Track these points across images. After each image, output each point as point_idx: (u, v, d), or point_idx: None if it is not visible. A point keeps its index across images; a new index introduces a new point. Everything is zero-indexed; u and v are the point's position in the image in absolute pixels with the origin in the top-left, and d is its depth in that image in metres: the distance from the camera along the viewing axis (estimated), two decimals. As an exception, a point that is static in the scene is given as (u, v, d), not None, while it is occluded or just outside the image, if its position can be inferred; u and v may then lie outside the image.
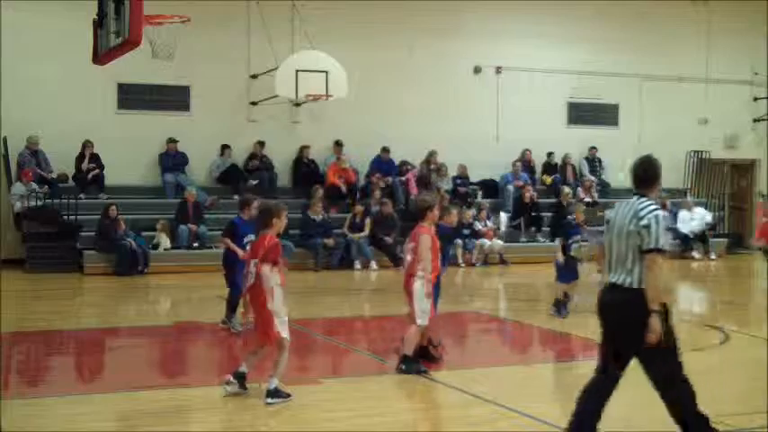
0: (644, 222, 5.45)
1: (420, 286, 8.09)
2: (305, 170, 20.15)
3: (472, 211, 19.74)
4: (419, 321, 8.09)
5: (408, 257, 8.22)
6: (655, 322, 5.39)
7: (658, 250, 5.42)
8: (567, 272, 11.48)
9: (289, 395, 7.08)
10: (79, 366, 9.37)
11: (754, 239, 12.81)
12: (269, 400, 6.98)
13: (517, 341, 11.12)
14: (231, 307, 10.21)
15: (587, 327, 10.76)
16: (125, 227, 17.09)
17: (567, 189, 21.20)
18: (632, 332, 5.48)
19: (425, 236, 8.10)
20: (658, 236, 5.42)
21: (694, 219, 21.42)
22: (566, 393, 8.11)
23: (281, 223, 7.25)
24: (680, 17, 23.26)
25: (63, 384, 8.16)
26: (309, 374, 8.48)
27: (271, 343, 7.14)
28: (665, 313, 5.50)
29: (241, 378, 7.26)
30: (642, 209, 5.51)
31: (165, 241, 17.50)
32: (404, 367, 8.07)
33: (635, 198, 5.62)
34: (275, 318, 7.07)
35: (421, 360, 8.26)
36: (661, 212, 5.52)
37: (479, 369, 8.82)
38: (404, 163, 20.71)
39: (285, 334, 7.10)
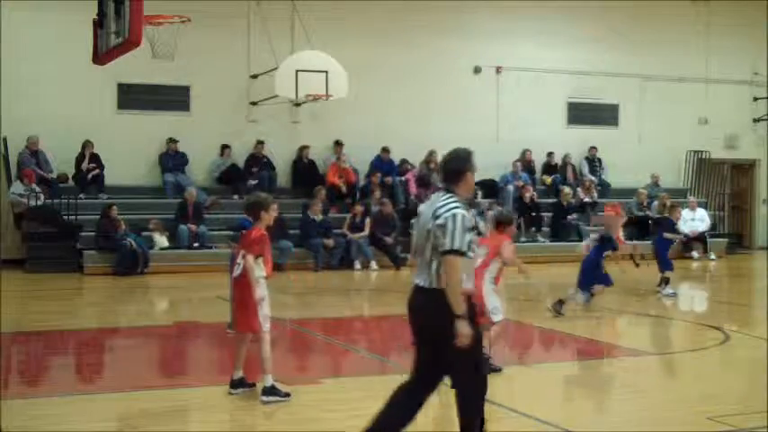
0: (440, 222, 5.10)
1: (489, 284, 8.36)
2: (305, 170, 20.16)
3: (472, 212, 19.71)
4: (495, 319, 8.23)
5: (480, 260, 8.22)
6: (461, 326, 5.00)
7: (456, 251, 5.04)
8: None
9: (287, 395, 7.09)
10: (79, 366, 9.37)
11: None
12: (264, 399, 7.02)
13: (517, 341, 11.11)
14: None
15: (588, 327, 10.79)
16: (125, 227, 17.09)
17: (567, 189, 21.22)
18: (438, 335, 5.14)
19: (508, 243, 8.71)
20: (454, 236, 5.04)
21: (695, 219, 21.41)
22: (566, 393, 8.12)
23: (269, 216, 7.32)
24: (680, 17, 23.26)
25: (63, 384, 8.16)
26: (309, 374, 8.48)
27: (255, 331, 7.20)
28: (473, 315, 5.14)
29: (240, 383, 7.31)
30: (440, 206, 5.16)
31: (160, 240, 17.49)
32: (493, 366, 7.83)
33: (440, 193, 5.28)
34: (260, 309, 7.16)
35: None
36: (461, 211, 5.13)
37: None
38: (404, 161, 20.72)
39: (266, 327, 7.19)
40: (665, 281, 13.94)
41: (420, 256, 5.24)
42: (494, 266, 8.52)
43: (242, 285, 7.22)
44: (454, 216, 5.09)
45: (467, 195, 5.36)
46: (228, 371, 7.49)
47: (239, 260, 7.25)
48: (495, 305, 8.33)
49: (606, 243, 11.86)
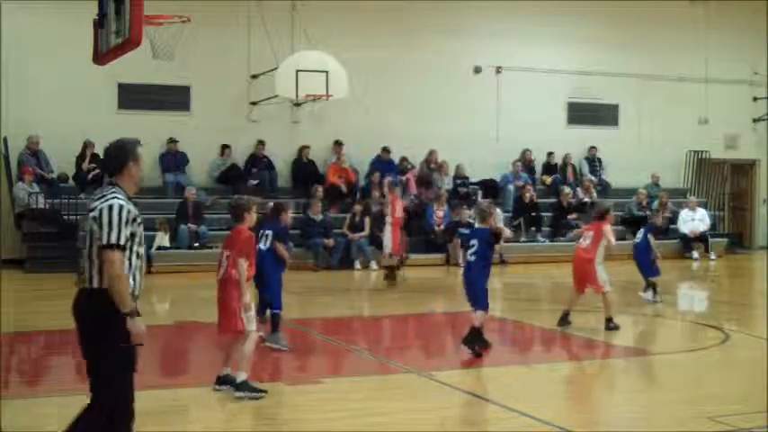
0: (94, 214, 4.77)
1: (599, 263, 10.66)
2: (305, 170, 20.16)
3: (472, 211, 19.72)
4: (606, 288, 10.62)
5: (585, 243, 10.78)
6: (134, 325, 4.74)
7: (114, 246, 4.69)
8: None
9: (262, 392, 7.16)
10: (79, 366, 9.32)
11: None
12: (237, 394, 7.11)
13: (517, 341, 11.12)
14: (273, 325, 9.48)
15: (587, 327, 10.79)
16: None
17: (567, 189, 21.22)
18: (95, 337, 4.80)
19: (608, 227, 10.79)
20: (112, 229, 4.69)
21: (695, 219, 21.41)
22: (566, 393, 8.13)
23: (251, 217, 7.54)
24: (680, 17, 23.26)
25: (63, 384, 8.16)
26: (309, 374, 8.48)
27: (238, 332, 7.29)
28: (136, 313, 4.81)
29: (225, 380, 7.39)
30: (98, 199, 4.86)
31: (162, 238, 17.47)
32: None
33: (105, 187, 4.97)
34: (244, 311, 7.27)
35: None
36: (120, 202, 4.82)
37: (479, 369, 8.82)
38: (404, 159, 20.74)
39: (252, 327, 7.29)
40: (652, 287, 13.18)
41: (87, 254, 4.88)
42: (601, 248, 10.60)
43: (227, 286, 7.36)
44: (110, 207, 4.77)
45: (133, 188, 5.05)
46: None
47: (224, 261, 7.38)
48: (605, 278, 10.61)
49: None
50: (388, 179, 16.81)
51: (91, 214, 4.81)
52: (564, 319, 10.78)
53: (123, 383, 4.89)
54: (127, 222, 4.80)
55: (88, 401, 4.90)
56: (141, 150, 5.08)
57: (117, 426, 4.87)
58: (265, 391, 7.17)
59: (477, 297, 9.19)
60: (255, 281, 8.92)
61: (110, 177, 4.96)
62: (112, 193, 4.89)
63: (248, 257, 7.36)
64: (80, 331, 4.87)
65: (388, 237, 15.05)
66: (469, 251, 9.28)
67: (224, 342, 8.00)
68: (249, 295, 7.30)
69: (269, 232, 9.36)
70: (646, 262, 13.26)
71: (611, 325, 10.58)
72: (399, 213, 15.30)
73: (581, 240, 10.99)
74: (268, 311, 9.40)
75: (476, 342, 9.11)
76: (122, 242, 4.74)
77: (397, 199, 15.48)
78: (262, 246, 9.15)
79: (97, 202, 4.85)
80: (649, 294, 13.20)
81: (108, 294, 4.73)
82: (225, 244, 7.59)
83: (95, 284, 4.80)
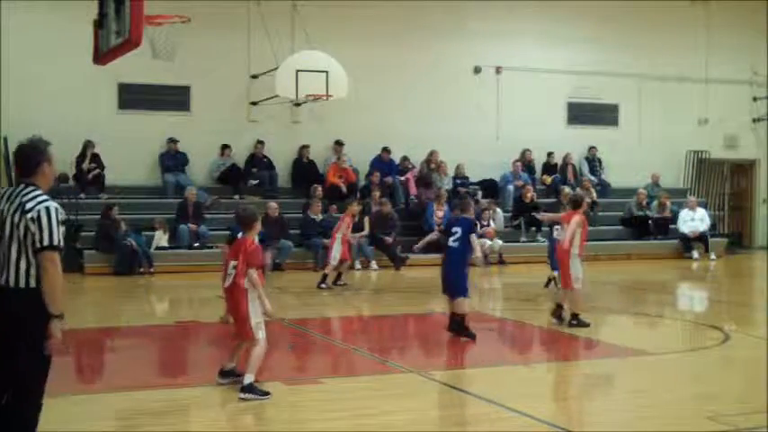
0: (32, 215, 4.80)
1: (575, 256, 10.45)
2: (305, 170, 20.16)
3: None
4: (576, 285, 10.45)
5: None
6: (56, 328, 4.79)
7: (55, 247, 4.78)
8: None
9: (266, 393, 7.15)
10: (79, 366, 9.37)
11: None
12: (242, 395, 7.09)
13: (517, 341, 11.12)
14: None
15: (587, 327, 10.77)
16: (125, 227, 17.09)
17: (567, 189, 21.20)
18: (27, 338, 4.84)
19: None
20: (52, 231, 4.79)
21: (695, 219, 21.41)
22: (566, 393, 8.13)
23: (258, 227, 7.57)
24: (680, 17, 23.27)
25: (63, 384, 8.14)
26: (309, 374, 8.49)
27: (248, 339, 7.30)
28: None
29: (230, 373, 7.45)
30: (28, 200, 4.86)
31: (160, 237, 17.47)
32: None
33: (21, 187, 4.96)
34: (252, 319, 7.25)
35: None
36: (55, 204, 4.90)
37: (479, 369, 8.83)
38: (405, 158, 20.75)
39: (261, 335, 7.27)
40: (554, 280, 13.14)
41: (3, 254, 4.87)
42: (576, 238, 10.41)
43: (235, 295, 7.32)
44: (48, 209, 4.84)
45: (46, 187, 5.04)
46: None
47: (230, 270, 7.34)
48: (578, 275, 10.45)
49: None
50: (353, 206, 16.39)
51: (29, 215, 4.82)
52: (557, 313, 10.92)
53: (44, 378, 5.04)
54: (59, 224, 4.88)
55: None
56: (51, 150, 5.20)
57: (30, 416, 4.99)
58: (269, 393, 7.16)
59: (457, 284, 9.73)
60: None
61: (25, 178, 5.00)
62: (40, 193, 4.93)
63: (258, 267, 7.35)
64: (11, 331, 4.85)
65: (337, 249, 14.92)
66: (452, 238, 9.80)
67: (228, 341, 8.00)
68: (268, 303, 7.25)
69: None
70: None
71: (573, 322, 10.54)
72: (345, 231, 15.17)
73: (558, 233, 11.20)
74: None
75: (461, 333, 9.56)
76: (61, 243, 4.84)
77: (348, 217, 15.38)
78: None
79: (30, 203, 4.87)
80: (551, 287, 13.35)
81: (37, 293, 4.79)
82: (230, 253, 7.53)
83: (22, 284, 4.82)
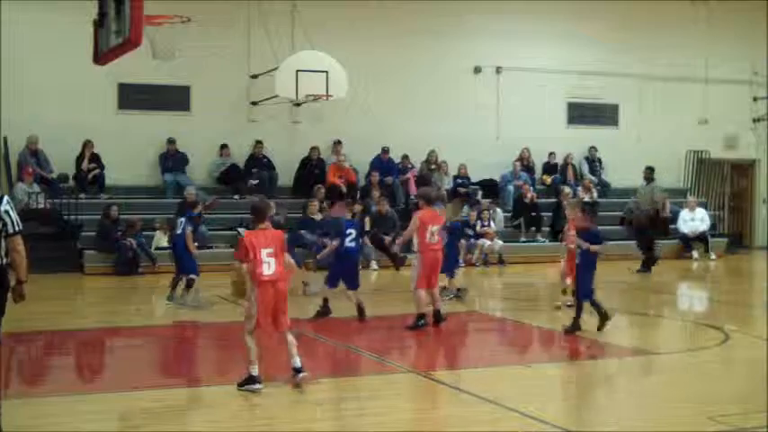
0: (4, 208, 6.38)
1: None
2: (305, 170, 20.15)
3: (474, 211, 19.69)
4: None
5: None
6: (24, 289, 6.67)
7: (21, 232, 6.47)
8: None
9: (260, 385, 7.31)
10: (79, 366, 9.37)
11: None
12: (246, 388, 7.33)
13: (517, 341, 11.12)
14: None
15: (588, 326, 10.77)
16: (139, 227, 17.13)
17: (567, 189, 21.19)
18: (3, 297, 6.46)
19: None
20: (17, 219, 6.45)
21: (695, 219, 21.40)
22: (566, 393, 8.12)
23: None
24: (680, 17, 23.25)
25: (63, 384, 8.16)
26: (308, 374, 8.47)
27: (287, 327, 7.54)
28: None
29: (299, 370, 7.50)
30: None
31: (160, 239, 17.48)
32: None
33: None
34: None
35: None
36: (5, 197, 6.45)
37: (479, 369, 8.83)
38: (405, 158, 20.74)
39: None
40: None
41: None
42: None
43: (283, 283, 7.49)
44: (9, 202, 6.46)
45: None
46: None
47: (265, 258, 7.35)
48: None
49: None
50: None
51: (2, 208, 6.37)
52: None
53: None
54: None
55: None
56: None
57: None
58: (260, 382, 7.28)
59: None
60: (175, 256, 13.04)
61: None
62: None
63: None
64: None
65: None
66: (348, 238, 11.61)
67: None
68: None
69: (182, 219, 12.72)
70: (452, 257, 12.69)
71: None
72: None
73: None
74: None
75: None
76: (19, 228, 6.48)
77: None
78: (178, 231, 12.55)
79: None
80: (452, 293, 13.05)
81: (8, 269, 6.48)
82: (261, 242, 7.41)
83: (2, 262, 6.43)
